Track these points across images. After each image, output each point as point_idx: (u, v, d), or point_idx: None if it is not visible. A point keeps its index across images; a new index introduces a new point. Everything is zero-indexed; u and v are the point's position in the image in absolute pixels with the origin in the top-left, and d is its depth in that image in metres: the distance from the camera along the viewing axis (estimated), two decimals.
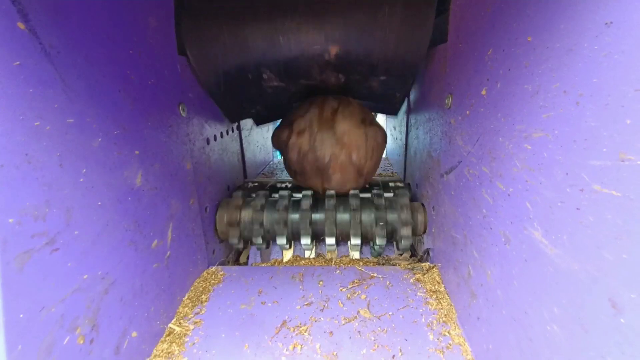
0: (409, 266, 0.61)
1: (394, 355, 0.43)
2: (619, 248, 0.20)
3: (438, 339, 0.45)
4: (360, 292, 0.55)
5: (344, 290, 0.56)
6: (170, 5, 0.51)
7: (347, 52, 0.59)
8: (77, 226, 0.31)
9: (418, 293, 0.54)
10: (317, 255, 0.74)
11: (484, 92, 0.38)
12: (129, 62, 0.40)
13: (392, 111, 0.79)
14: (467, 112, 0.43)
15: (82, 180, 0.32)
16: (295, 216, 0.67)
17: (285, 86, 0.67)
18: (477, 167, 0.41)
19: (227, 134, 0.79)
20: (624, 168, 0.20)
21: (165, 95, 0.49)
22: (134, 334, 0.40)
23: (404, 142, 0.92)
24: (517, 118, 0.31)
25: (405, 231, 0.64)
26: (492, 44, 0.36)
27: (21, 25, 0.26)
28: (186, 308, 0.52)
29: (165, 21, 0.49)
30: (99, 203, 0.34)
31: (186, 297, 0.54)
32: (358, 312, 0.51)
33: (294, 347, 0.45)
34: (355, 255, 0.73)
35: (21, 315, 0.26)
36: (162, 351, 0.44)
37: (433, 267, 0.59)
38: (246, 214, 0.68)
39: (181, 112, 0.54)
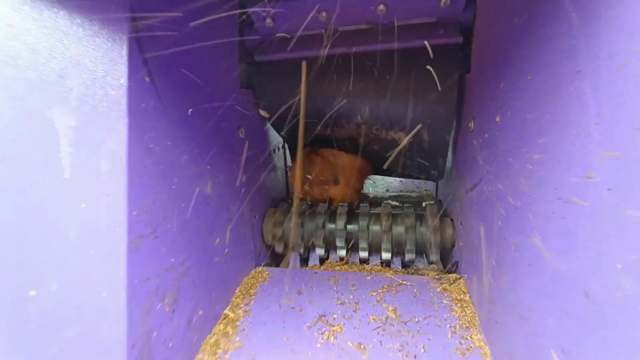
0: (437, 276, 0.65)
1: (416, 355, 0.48)
2: (590, 249, 0.25)
3: (460, 342, 0.49)
4: (389, 296, 0.61)
5: (374, 294, 0.62)
6: (235, 48, 0.63)
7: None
8: (169, 221, 0.42)
9: (444, 301, 0.59)
10: (352, 263, 0.81)
11: (497, 119, 0.44)
12: (206, 96, 0.52)
13: (434, 179, 0.90)
14: (486, 135, 0.49)
15: (173, 187, 0.43)
16: (332, 226, 0.76)
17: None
18: (494, 184, 0.46)
19: (274, 152, 0.90)
20: (590, 184, 0.25)
21: (229, 121, 0.61)
22: (200, 312, 0.49)
23: None
24: (521, 142, 0.37)
25: (435, 244, 0.70)
26: (504, 78, 0.42)
27: (147, 78, 0.37)
28: (238, 299, 0.61)
29: (232, 62, 0.61)
30: (183, 205, 0.45)
31: (238, 290, 0.64)
32: (387, 314, 0.56)
33: (328, 337, 0.52)
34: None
35: (136, 282, 0.36)
36: (220, 331, 0.53)
37: (460, 278, 0.63)
38: (289, 224, 0.78)
39: (240, 134, 0.65)
